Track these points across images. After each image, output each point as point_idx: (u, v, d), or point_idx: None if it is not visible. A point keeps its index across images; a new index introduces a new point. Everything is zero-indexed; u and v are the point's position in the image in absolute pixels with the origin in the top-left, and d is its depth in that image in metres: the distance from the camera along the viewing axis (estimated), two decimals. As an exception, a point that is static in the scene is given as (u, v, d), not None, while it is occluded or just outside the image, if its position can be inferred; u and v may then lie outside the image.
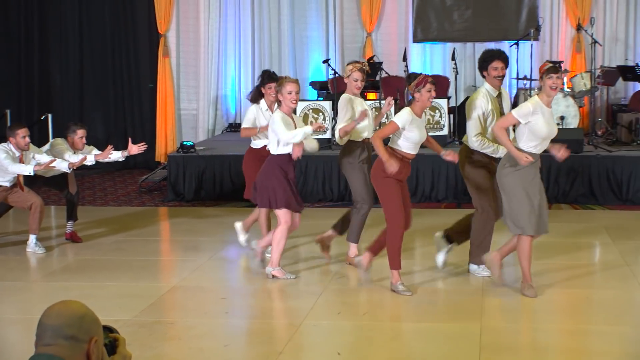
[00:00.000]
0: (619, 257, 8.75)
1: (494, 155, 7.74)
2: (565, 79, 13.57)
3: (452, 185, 12.02)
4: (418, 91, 7.33)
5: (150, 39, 15.81)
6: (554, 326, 6.98)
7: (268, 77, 9.01)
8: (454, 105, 13.58)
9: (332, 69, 13.43)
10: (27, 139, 9.07)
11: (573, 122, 12.43)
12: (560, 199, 11.81)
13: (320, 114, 12.63)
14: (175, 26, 15.70)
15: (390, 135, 7.48)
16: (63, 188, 9.92)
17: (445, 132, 12.81)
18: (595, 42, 13.59)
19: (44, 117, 13.89)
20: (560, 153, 7.38)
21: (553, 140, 7.37)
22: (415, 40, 15.37)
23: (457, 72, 13.99)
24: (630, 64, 14.12)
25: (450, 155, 7.59)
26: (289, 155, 7.96)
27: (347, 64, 8.60)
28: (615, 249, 9.10)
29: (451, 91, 14.27)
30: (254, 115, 8.97)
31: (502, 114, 7.81)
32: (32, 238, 9.36)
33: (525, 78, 13.58)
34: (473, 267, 8.12)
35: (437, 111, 12.73)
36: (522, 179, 7.19)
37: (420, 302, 7.52)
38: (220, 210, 11.54)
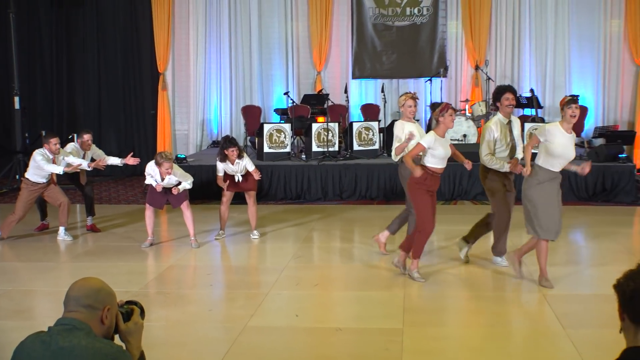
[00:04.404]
0: (509, 242, 8.84)
1: (501, 171, 7.25)
2: (466, 106, 13.73)
3: (382, 187, 12.07)
4: (442, 115, 6.82)
5: (152, 77, 15.68)
6: (460, 293, 7.04)
7: (229, 142, 9.01)
8: (383, 126, 13.61)
9: (291, 99, 13.41)
10: (58, 145, 9.18)
11: (473, 139, 12.52)
12: (463, 196, 11.91)
13: (282, 133, 12.62)
14: (171, 66, 15.59)
15: (421, 155, 7.02)
16: (79, 183, 10.00)
17: (376, 147, 12.84)
18: (489, 78, 13.78)
19: (70, 136, 13.73)
20: (581, 168, 6.85)
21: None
22: (354, 77, 15.38)
23: (385, 101, 14.09)
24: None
25: (469, 164, 7.15)
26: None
27: (400, 96, 7.89)
28: (510, 234, 9.16)
29: (381, 116, 14.34)
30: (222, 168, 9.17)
31: (512, 138, 7.31)
32: (61, 229, 9.33)
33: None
34: (496, 258, 7.79)
35: (370, 131, 12.78)
36: (545, 192, 6.74)
37: (358, 276, 7.56)
38: (205, 208, 11.49)
